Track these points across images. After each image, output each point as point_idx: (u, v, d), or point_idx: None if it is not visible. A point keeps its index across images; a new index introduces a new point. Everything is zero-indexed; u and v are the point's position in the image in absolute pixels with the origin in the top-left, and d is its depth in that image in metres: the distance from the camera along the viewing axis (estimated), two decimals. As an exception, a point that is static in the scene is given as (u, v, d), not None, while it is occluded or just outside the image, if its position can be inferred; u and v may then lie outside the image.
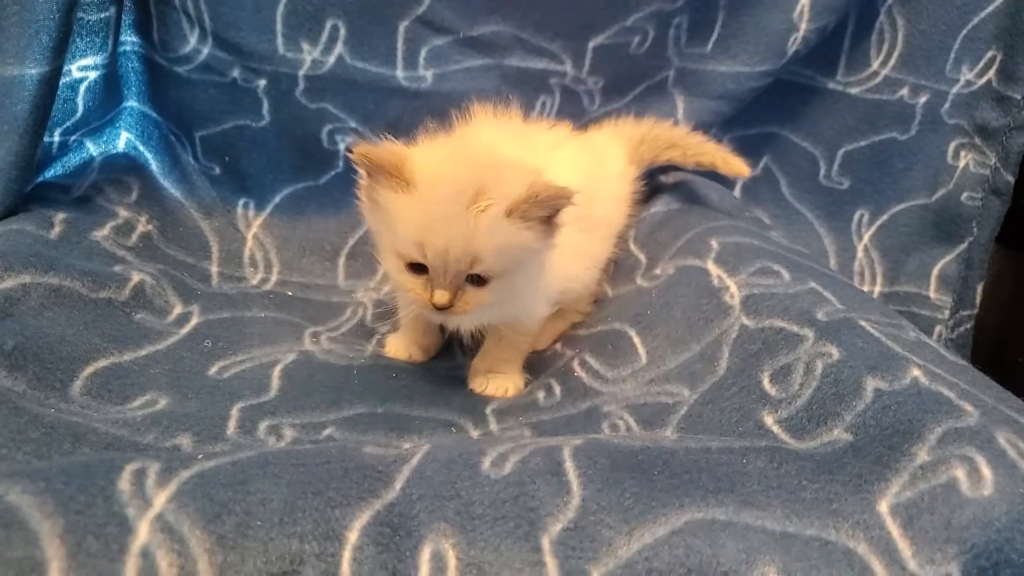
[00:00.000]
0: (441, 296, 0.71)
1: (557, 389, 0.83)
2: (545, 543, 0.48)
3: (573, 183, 0.87)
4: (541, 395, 0.82)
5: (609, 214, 0.97)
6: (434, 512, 0.50)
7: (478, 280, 0.72)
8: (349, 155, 0.73)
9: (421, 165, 0.72)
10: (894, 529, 0.50)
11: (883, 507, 0.51)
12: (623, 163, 1.01)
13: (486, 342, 0.87)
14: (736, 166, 1.03)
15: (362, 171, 0.74)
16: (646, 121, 1.05)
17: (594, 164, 0.96)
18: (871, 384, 0.61)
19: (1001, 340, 1.13)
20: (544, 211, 0.72)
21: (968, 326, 1.13)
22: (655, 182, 1.07)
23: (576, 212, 0.86)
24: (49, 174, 0.98)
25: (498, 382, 0.84)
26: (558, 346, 0.93)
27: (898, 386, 0.60)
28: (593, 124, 1.07)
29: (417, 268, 0.73)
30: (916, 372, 0.61)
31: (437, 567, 0.47)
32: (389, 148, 0.74)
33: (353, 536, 0.48)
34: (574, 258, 0.87)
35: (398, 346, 0.90)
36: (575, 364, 0.86)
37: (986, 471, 0.51)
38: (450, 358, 0.92)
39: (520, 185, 0.71)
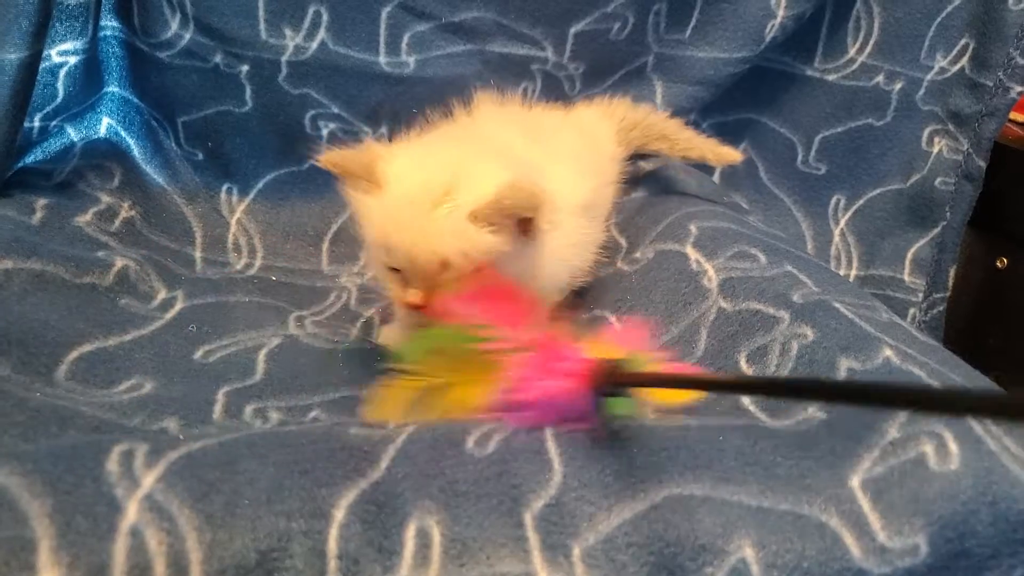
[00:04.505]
0: (414, 295, 0.69)
1: None
2: (528, 519, 0.49)
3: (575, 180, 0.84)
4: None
5: (605, 199, 0.97)
6: (419, 490, 0.50)
7: None
8: (317, 163, 0.71)
9: (393, 165, 0.70)
10: (865, 503, 0.51)
11: (854, 482, 0.53)
12: (613, 144, 1.01)
13: None
14: (727, 155, 1.02)
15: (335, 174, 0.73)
16: (643, 108, 1.05)
17: (591, 151, 0.94)
18: (844, 364, 0.63)
19: (972, 322, 1.15)
20: (511, 217, 0.67)
21: (941, 308, 1.15)
22: (635, 168, 1.08)
23: (586, 202, 0.85)
24: (30, 160, 0.97)
25: None
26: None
27: (870, 366, 0.62)
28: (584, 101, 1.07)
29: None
30: (888, 352, 0.62)
31: (422, 543, 0.48)
32: (360, 150, 0.72)
33: (340, 514, 0.48)
34: (584, 247, 0.85)
35: (393, 338, 0.88)
36: None
37: (953, 446, 0.52)
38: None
39: (491, 186, 0.67)
